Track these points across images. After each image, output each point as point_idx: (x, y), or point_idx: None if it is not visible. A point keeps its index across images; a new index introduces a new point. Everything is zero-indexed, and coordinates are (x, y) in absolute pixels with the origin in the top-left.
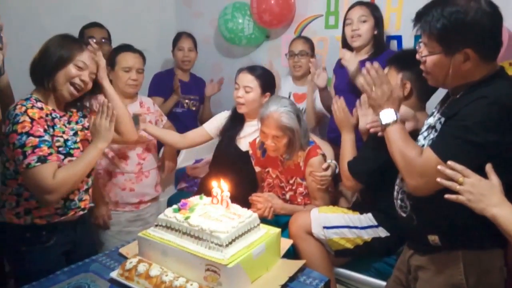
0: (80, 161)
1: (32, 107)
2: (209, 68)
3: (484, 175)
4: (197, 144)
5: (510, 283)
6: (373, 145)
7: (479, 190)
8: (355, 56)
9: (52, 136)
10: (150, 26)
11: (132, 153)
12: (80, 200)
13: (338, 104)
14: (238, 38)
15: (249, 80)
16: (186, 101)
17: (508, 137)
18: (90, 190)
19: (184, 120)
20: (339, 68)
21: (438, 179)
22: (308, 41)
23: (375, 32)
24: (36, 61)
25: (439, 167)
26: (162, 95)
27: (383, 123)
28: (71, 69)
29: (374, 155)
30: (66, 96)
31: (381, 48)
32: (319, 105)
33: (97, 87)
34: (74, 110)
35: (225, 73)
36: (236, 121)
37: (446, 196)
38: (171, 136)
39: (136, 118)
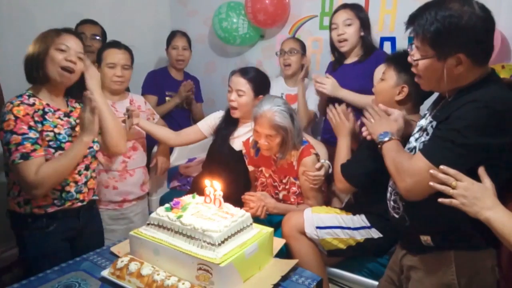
0: (65, 156)
1: (19, 104)
2: (203, 67)
3: (476, 178)
4: (191, 142)
5: (502, 283)
6: (365, 148)
7: (472, 194)
8: (329, 77)
9: (41, 131)
10: (144, 24)
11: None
12: (79, 192)
13: (334, 112)
14: (233, 38)
15: (241, 83)
16: None
17: (499, 140)
18: (92, 183)
19: (177, 119)
20: (332, 71)
21: (431, 183)
22: (299, 41)
23: (362, 34)
24: (25, 59)
25: (431, 171)
26: (155, 93)
27: (379, 141)
28: (55, 53)
29: (367, 159)
30: (60, 81)
31: (370, 49)
32: (310, 105)
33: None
34: (79, 107)
35: (219, 72)
36: (230, 121)
37: (440, 200)
38: (164, 132)
39: (128, 112)
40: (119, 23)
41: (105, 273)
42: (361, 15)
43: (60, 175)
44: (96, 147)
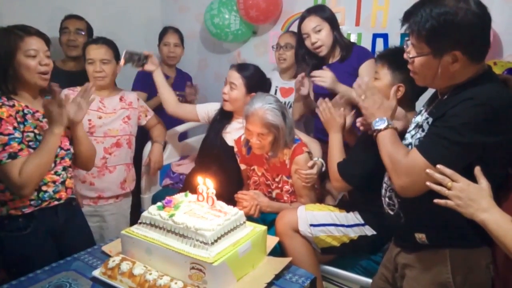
0: (41, 151)
1: (1, 106)
2: (195, 63)
3: (472, 175)
4: (184, 118)
5: (497, 281)
6: (363, 147)
7: (467, 195)
8: (326, 70)
9: (23, 132)
10: (135, 20)
11: (99, 147)
12: (56, 192)
13: (323, 106)
14: (225, 34)
15: (235, 77)
16: None
17: (495, 138)
18: (68, 182)
19: (168, 115)
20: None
21: (428, 183)
22: (296, 34)
23: (334, 33)
24: None
25: (428, 170)
26: (146, 90)
27: (374, 128)
28: (26, 60)
29: (364, 158)
30: (41, 84)
31: (347, 46)
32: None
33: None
34: None
35: (211, 69)
36: (224, 115)
37: (436, 200)
38: (169, 96)
39: (143, 56)
40: (109, 19)
41: (96, 273)
42: (326, 15)
43: (42, 171)
44: (73, 149)
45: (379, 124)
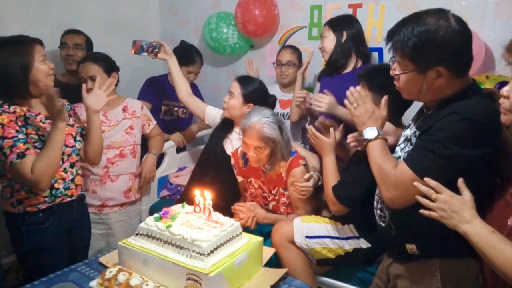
0: (49, 147)
1: (1, 113)
2: None
3: (457, 187)
4: (191, 109)
5: None
6: (357, 167)
7: (450, 207)
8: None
9: (27, 134)
10: (135, 34)
11: (102, 157)
12: (67, 188)
13: (309, 133)
14: (223, 47)
15: (234, 86)
16: (175, 108)
17: (480, 151)
18: (78, 179)
19: (171, 128)
20: (323, 77)
21: (416, 196)
22: (296, 51)
23: (337, 42)
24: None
25: (415, 183)
26: (151, 101)
27: (365, 138)
28: (42, 66)
29: (358, 179)
30: (51, 85)
31: (346, 55)
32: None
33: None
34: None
35: (210, 81)
36: (226, 125)
37: (421, 211)
38: (182, 84)
39: (158, 45)
40: (109, 32)
41: (93, 284)
42: (334, 25)
43: (53, 166)
44: (78, 145)
45: (370, 133)
